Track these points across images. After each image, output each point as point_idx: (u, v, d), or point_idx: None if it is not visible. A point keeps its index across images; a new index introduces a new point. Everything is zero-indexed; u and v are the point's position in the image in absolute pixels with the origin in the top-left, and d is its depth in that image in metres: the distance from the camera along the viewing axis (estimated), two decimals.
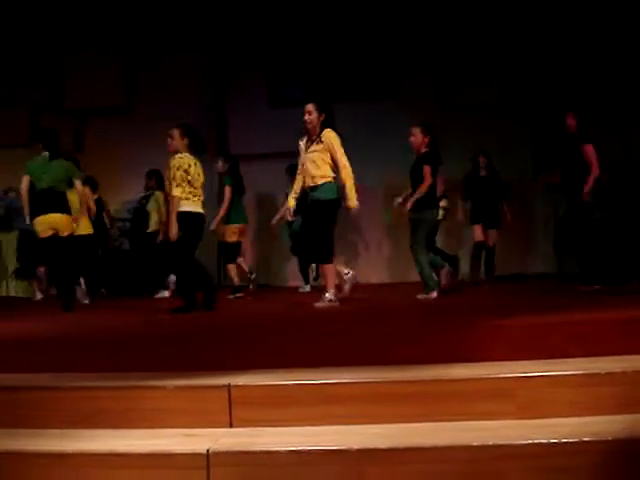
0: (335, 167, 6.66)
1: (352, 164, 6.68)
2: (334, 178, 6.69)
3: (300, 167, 6.86)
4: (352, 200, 6.64)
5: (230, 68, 10.55)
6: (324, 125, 6.71)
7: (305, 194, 6.87)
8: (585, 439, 3.63)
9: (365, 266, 10.74)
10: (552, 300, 6.07)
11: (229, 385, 3.95)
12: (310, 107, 6.71)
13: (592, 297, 6.34)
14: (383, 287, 10.01)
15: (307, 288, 9.48)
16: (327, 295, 6.61)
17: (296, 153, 6.98)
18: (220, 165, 8.99)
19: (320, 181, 6.63)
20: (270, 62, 10.47)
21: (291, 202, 7.00)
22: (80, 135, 10.70)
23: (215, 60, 10.59)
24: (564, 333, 4.52)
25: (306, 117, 6.69)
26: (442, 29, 10.21)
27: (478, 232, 9.39)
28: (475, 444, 3.54)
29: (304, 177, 6.77)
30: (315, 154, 6.65)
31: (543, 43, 9.85)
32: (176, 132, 7.08)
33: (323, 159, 6.62)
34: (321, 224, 6.64)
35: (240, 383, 4.04)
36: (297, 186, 6.92)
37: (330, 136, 6.65)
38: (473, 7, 10.03)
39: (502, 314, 5.11)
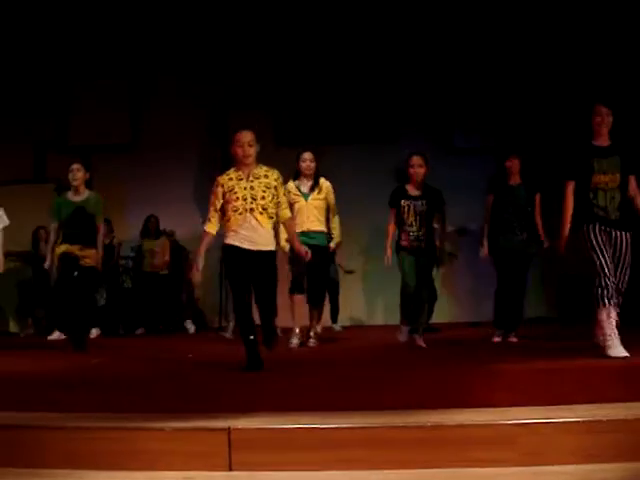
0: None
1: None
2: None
3: (296, 212, 6.96)
4: (335, 242, 7.62)
5: (236, 106, 10.62)
6: (318, 174, 7.19)
7: None
8: None
9: (364, 307, 10.76)
10: (553, 345, 6.03)
11: (229, 428, 3.91)
12: (312, 156, 7.14)
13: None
14: (378, 329, 9.99)
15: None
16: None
17: None
18: None
19: (320, 227, 7.14)
20: (276, 101, 10.56)
21: (287, 246, 6.86)
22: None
23: (221, 98, 10.67)
24: (566, 379, 4.50)
25: (309, 164, 7.12)
26: (443, 74, 10.30)
27: None
28: None
29: (303, 222, 7.02)
30: (318, 202, 7.12)
31: (544, 89, 9.93)
32: (252, 136, 5.35)
33: (322, 207, 7.16)
34: (326, 269, 7.48)
35: (240, 426, 4.00)
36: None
37: (329, 186, 7.23)
38: (474, 54, 10.14)
39: (503, 359, 5.09)
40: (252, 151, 5.16)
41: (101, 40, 10.56)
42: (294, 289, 7.13)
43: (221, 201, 5.20)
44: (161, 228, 10.05)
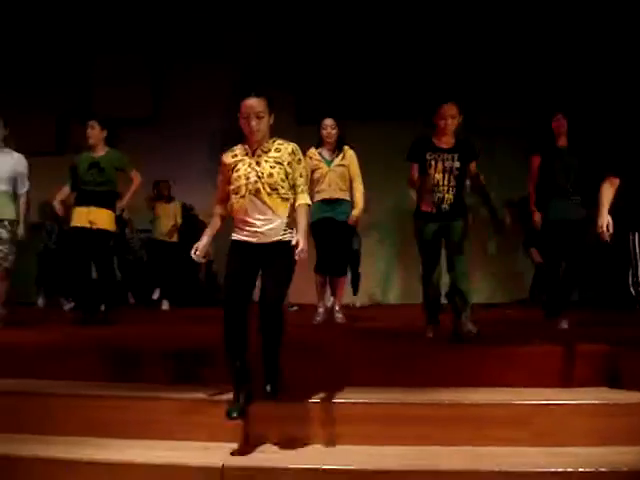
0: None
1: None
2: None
3: (317, 179, 6.66)
4: (357, 212, 6.58)
5: (258, 83, 10.61)
6: (340, 141, 6.71)
7: None
8: (601, 469, 3.62)
9: (378, 286, 10.77)
10: (570, 327, 6.01)
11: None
12: (333, 122, 6.67)
13: (612, 325, 6.29)
14: (398, 308, 9.98)
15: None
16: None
17: None
18: None
19: (343, 196, 6.64)
20: (298, 78, 10.54)
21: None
22: (108, 145, 10.77)
23: (243, 74, 10.66)
24: (583, 361, 4.51)
25: (330, 131, 6.65)
26: (466, 53, 10.21)
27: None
28: (488, 470, 3.55)
29: (325, 189, 6.62)
30: (342, 169, 6.62)
31: (570, 67, 9.83)
32: (263, 105, 4.36)
33: (346, 175, 6.65)
34: (349, 243, 7.02)
35: (259, 399, 4.06)
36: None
37: (353, 154, 6.70)
38: (497, 34, 10.05)
39: (521, 341, 5.09)
40: (262, 125, 4.08)
41: (124, 12, 10.56)
42: (319, 268, 6.76)
43: (227, 183, 4.21)
44: (184, 203, 10.05)
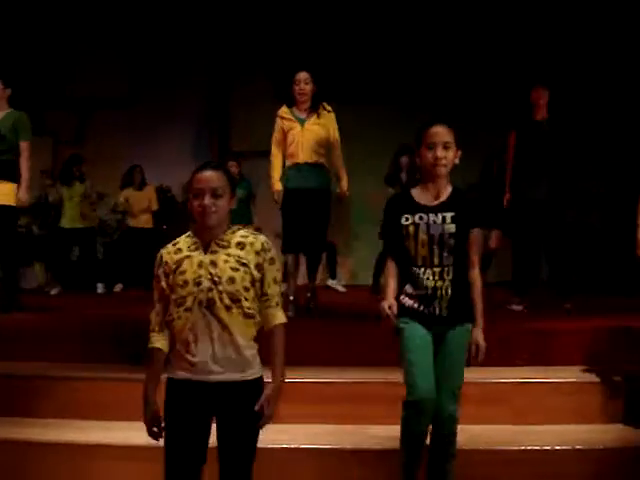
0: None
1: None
2: None
3: (290, 142, 5.70)
4: (346, 183, 5.85)
5: (235, 62, 10.52)
6: (316, 99, 5.74)
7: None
8: (578, 447, 3.67)
9: (360, 266, 10.76)
10: (552, 308, 6.05)
11: None
12: (306, 76, 5.68)
13: (591, 305, 6.34)
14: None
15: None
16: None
17: None
18: (234, 169, 8.66)
19: (319, 160, 5.67)
20: (276, 57, 10.45)
21: (279, 186, 5.72)
22: (82, 127, 10.69)
23: (220, 54, 10.58)
24: (563, 340, 4.55)
25: (303, 87, 5.66)
26: (458, 42, 10.13)
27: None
28: (468, 448, 3.57)
29: (298, 152, 5.64)
30: (318, 128, 5.65)
31: (568, 63, 9.79)
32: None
33: (322, 138, 5.68)
34: (326, 216, 5.83)
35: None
36: (279, 163, 5.78)
37: (332, 115, 5.78)
38: (483, 21, 9.99)
39: (501, 320, 5.12)
40: (220, 206, 2.81)
41: None
42: (289, 247, 5.73)
43: (165, 289, 2.82)
44: (157, 185, 9.93)
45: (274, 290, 2.85)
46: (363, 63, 10.29)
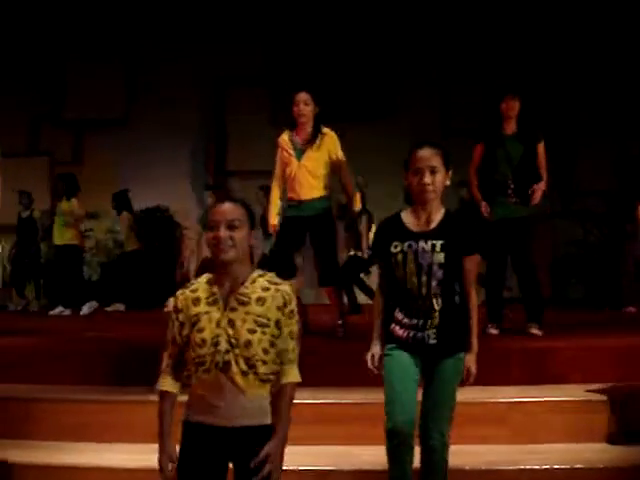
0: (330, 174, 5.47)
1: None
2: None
3: (288, 175, 5.46)
4: (357, 203, 5.73)
5: (233, 83, 10.56)
6: (318, 121, 5.41)
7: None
8: (577, 466, 3.62)
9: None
10: (551, 325, 6.02)
11: None
12: (308, 97, 5.38)
13: (590, 323, 6.33)
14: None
15: None
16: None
17: None
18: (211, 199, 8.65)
19: (315, 195, 5.40)
20: (273, 79, 10.47)
21: (275, 220, 5.52)
22: (79, 146, 10.70)
23: (217, 75, 10.60)
24: (561, 359, 4.52)
25: (302, 108, 5.36)
26: (445, 47, 10.16)
27: None
28: (467, 468, 3.53)
29: (295, 188, 5.43)
30: (315, 158, 5.36)
31: (552, 71, 9.83)
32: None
33: (321, 166, 5.38)
34: (333, 237, 5.54)
35: None
36: (277, 198, 5.56)
37: (334, 136, 5.44)
38: (481, 31, 10.02)
39: (499, 338, 5.10)
40: (239, 244, 2.65)
41: (98, 14, 10.45)
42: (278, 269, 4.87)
43: (180, 339, 2.70)
44: (154, 204, 9.94)
45: (290, 345, 2.68)
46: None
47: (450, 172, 3.16)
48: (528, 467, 3.62)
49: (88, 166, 10.34)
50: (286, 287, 2.69)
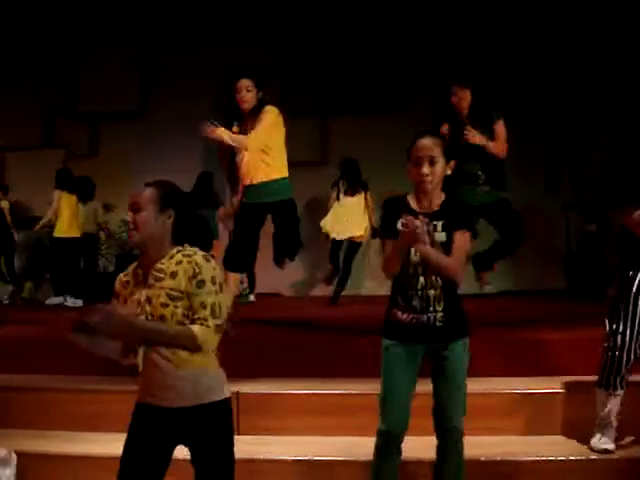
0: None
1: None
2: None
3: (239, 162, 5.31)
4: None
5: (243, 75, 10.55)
6: (262, 104, 5.23)
7: None
8: (592, 457, 3.62)
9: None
10: (563, 316, 5.99)
11: (237, 393, 3.92)
12: (248, 82, 5.21)
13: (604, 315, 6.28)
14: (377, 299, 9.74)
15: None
16: None
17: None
18: None
19: (267, 177, 5.27)
20: (284, 72, 10.47)
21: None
22: (95, 138, 10.72)
23: (230, 67, 10.59)
24: (574, 350, 4.50)
25: (244, 94, 5.19)
26: (455, 40, 10.13)
27: None
28: (482, 459, 3.54)
29: (245, 173, 5.29)
30: (257, 140, 5.16)
31: (561, 58, 9.78)
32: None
33: (262, 142, 5.18)
34: (296, 222, 5.51)
35: (248, 391, 4.03)
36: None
37: (269, 109, 5.19)
38: (487, 21, 9.98)
39: (512, 330, 5.09)
40: (146, 218, 2.70)
41: (112, 6, 10.46)
42: (229, 263, 5.17)
43: None
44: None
45: (201, 314, 2.58)
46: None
47: (452, 162, 3.22)
48: (544, 458, 3.62)
49: (104, 158, 10.37)
50: (197, 257, 2.63)
